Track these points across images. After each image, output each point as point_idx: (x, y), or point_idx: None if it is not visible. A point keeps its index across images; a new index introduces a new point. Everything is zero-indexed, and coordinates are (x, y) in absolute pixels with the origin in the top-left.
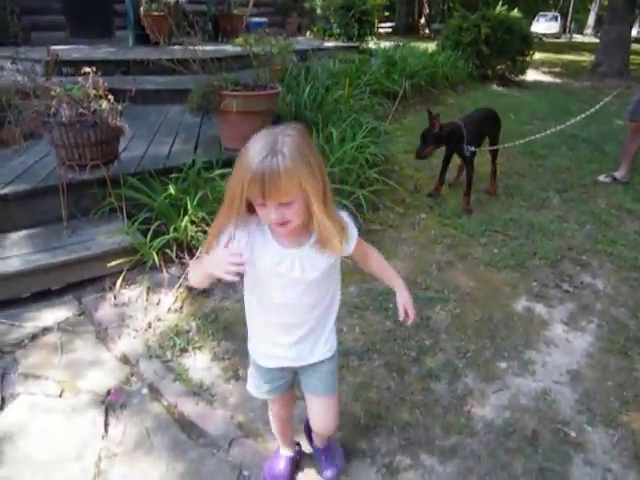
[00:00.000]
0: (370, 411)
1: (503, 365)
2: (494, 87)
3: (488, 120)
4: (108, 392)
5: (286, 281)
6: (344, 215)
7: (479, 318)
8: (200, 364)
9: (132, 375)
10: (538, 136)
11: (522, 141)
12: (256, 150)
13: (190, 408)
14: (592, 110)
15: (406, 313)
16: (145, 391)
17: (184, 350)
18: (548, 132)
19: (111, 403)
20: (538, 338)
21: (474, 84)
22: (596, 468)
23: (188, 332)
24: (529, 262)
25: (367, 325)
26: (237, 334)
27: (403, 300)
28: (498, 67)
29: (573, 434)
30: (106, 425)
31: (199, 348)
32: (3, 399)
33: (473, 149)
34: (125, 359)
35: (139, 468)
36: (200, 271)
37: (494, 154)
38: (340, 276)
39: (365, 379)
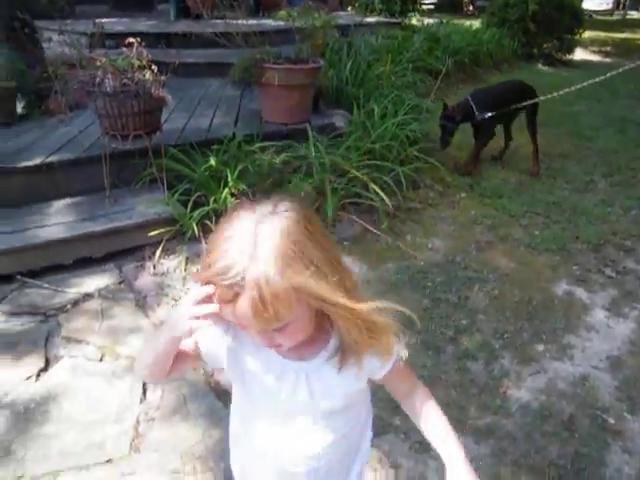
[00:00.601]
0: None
1: (541, 348)
2: (540, 66)
3: (512, 91)
4: None
5: (285, 408)
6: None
7: (518, 300)
8: None
9: None
10: (573, 88)
11: (559, 93)
12: (227, 258)
13: (225, 377)
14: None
15: None
16: None
17: None
18: (585, 84)
19: None
20: (578, 323)
21: (519, 63)
22: (635, 457)
23: None
24: (571, 246)
25: (404, 302)
26: None
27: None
28: (545, 45)
29: (612, 421)
30: (144, 390)
31: None
32: (47, 361)
33: (484, 116)
34: None
35: (176, 433)
36: (151, 350)
37: (533, 132)
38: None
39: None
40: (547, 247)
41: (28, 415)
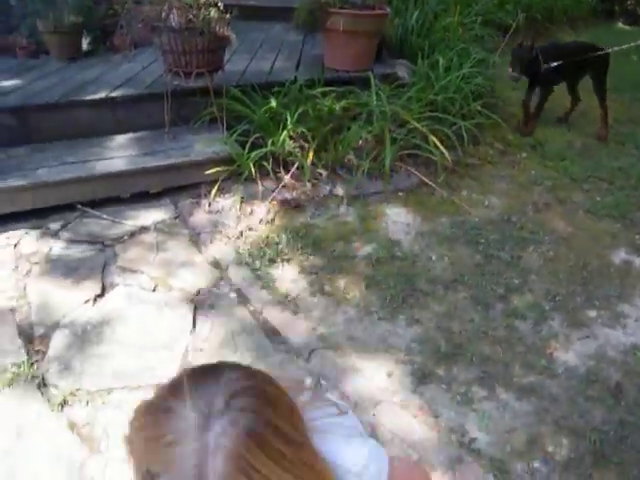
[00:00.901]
0: (451, 340)
1: (593, 314)
2: (620, 25)
3: (582, 51)
4: (198, 292)
5: None
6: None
7: (573, 264)
8: (287, 276)
9: (221, 279)
10: None
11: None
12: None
13: (275, 315)
14: None
15: None
16: (233, 295)
17: (273, 261)
18: None
19: (200, 302)
20: (634, 292)
21: (596, 21)
22: None
23: (278, 244)
24: (634, 214)
25: (456, 257)
26: (326, 251)
27: None
28: (628, 1)
29: None
30: (194, 322)
31: (287, 261)
32: (104, 287)
33: (550, 66)
34: (215, 263)
35: None
36: None
37: (602, 96)
38: None
39: (449, 309)
40: (608, 213)
41: (85, 336)
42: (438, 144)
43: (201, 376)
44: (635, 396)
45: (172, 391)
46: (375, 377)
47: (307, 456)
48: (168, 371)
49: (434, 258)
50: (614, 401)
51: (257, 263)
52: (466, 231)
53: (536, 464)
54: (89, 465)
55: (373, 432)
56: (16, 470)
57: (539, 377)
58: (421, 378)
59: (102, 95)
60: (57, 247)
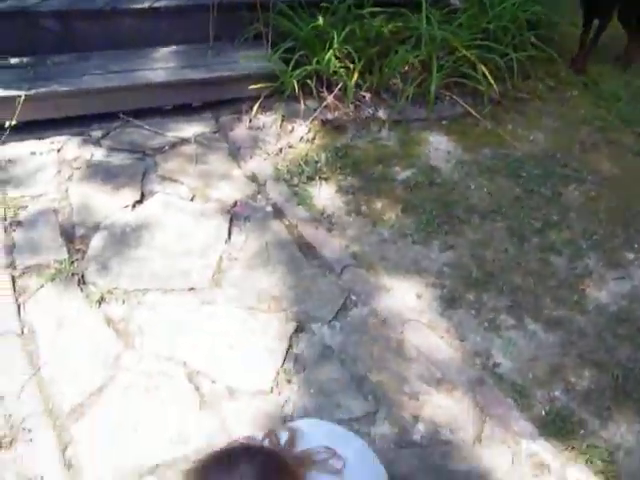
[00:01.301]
0: (483, 268)
1: (631, 256)
2: None
3: None
4: (235, 204)
5: None
6: None
7: (615, 205)
8: (324, 194)
9: (258, 193)
10: None
11: None
12: None
13: (309, 231)
14: None
15: None
16: (269, 209)
17: (311, 178)
18: None
19: (236, 214)
20: None
21: None
22: None
23: (317, 163)
24: None
25: (496, 188)
26: (365, 173)
27: None
28: None
29: None
30: (230, 232)
31: (325, 179)
32: (143, 194)
33: None
34: (253, 178)
35: (255, 274)
36: None
37: None
38: None
39: (484, 238)
40: None
41: (123, 238)
42: (487, 74)
43: (215, 472)
44: None
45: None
46: (405, 297)
47: None
48: (201, 278)
49: (473, 187)
50: None
51: (295, 180)
52: (508, 164)
53: (556, 393)
54: (124, 358)
55: (399, 348)
56: (57, 359)
57: (569, 311)
58: (450, 302)
59: (146, 5)
60: (98, 154)
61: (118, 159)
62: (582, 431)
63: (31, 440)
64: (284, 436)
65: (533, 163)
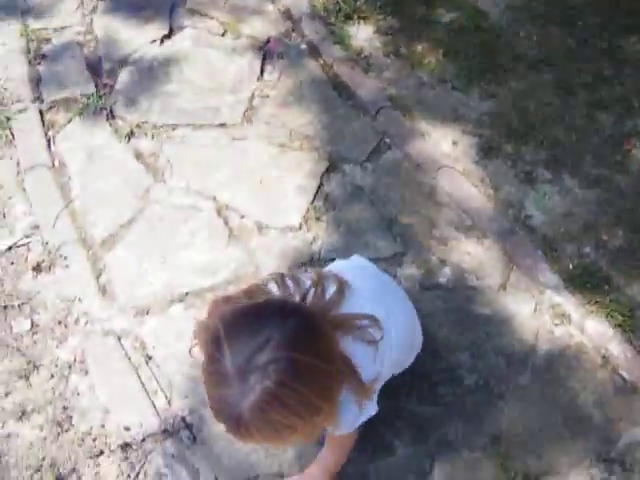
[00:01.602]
0: (524, 119)
1: None
2: None
3: None
4: (268, 40)
5: None
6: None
7: None
8: (362, 34)
9: (293, 30)
10: None
11: None
12: (220, 405)
13: (345, 71)
14: None
15: None
16: (304, 47)
17: (349, 17)
18: None
19: (270, 51)
20: None
21: None
22: None
23: (355, 1)
24: None
25: (547, 37)
26: (406, 13)
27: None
28: None
29: None
30: (262, 69)
31: (364, 18)
32: (171, 29)
33: None
34: (288, 14)
35: (287, 112)
36: None
37: None
38: None
39: (529, 89)
40: None
41: (152, 73)
42: None
43: (242, 326)
44: None
45: (215, 343)
46: (440, 143)
47: (322, 412)
48: (232, 115)
49: (522, 35)
50: None
51: (332, 18)
52: (564, 11)
53: (586, 249)
54: (153, 191)
55: (431, 193)
56: (89, 192)
57: (610, 170)
58: (487, 151)
59: None
60: None
61: None
62: (607, 287)
63: (67, 266)
64: (331, 288)
65: (592, 11)
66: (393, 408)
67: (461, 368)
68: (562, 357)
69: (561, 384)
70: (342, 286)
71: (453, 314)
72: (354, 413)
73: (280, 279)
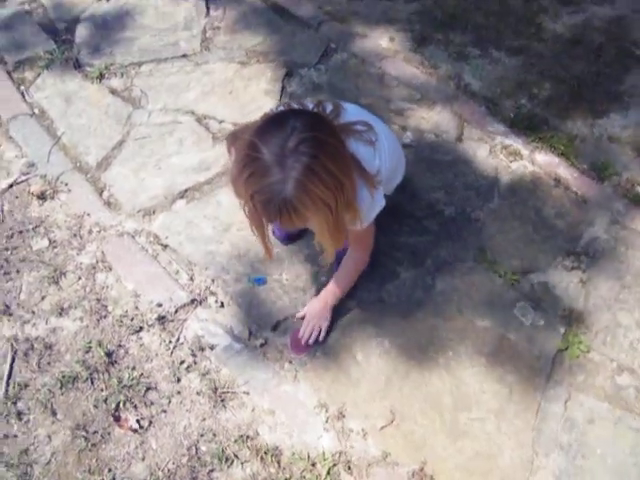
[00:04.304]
0: (447, 12)
1: None
2: None
3: None
4: None
5: None
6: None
7: None
8: None
9: None
10: None
11: None
12: (263, 184)
13: None
14: None
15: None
16: None
17: None
18: None
19: None
20: None
21: None
22: None
23: None
24: None
25: None
26: None
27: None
28: None
29: (638, 52)
30: (207, 8)
31: None
32: None
33: None
34: None
35: (239, 37)
36: None
37: None
38: None
39: None
40: None
41: (107, 25)
42: None
43: (269, 128)
44: (614, 54)
45: (251, 146)
46: (379, 40)
47: (346, 189)
48: (190, 46)
49: None
50: (594, 57)
51: None
52: None
53: (522, 101)
54: (135, 116)
55: (380, 79)
56: (74, 127)
57: (528, 41)
58: (421, 41)
59: None
60: None
61: None
62: (545, 127)
63: (70, 190)
64: (329, 107)
65: None
66: (389, 243)
67: (439, 203)
68: (521, 183)
69: (525, 204)
70: (338, 106)
71: (423, 163)
72: (368, 200)
73: (287, 105)
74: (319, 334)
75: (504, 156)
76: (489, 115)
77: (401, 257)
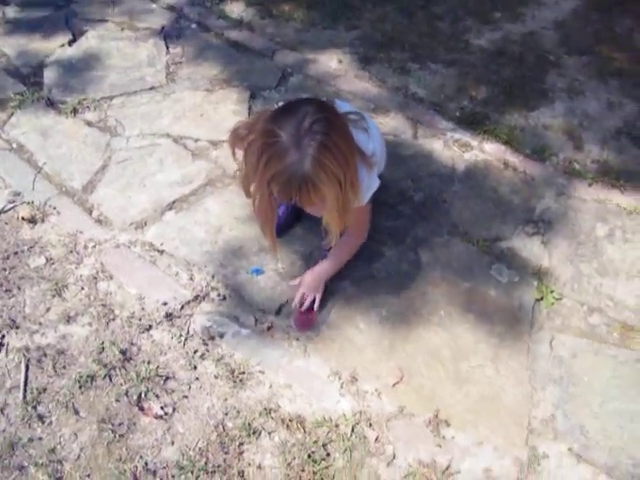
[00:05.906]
0: (386, 36)
1: (498, 15)
2: None
3: None
4: (162, 27)
5: None
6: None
7: None
8: (237, 9)
9: (180, 18)
10: None
11: None
12: (282, 166)
13: (235, 34)
14: None
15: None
16: (194, 26)
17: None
18: None
19: (168, 34)
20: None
21: None
22: (566, 78)
23: None
24: None
25: None
26: None
27: (306, 279)
28: None
29: (552, 58)
30: (167, 46)
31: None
32: (74, 34)
33: None
34: (171, 8)
35: (201, 69)
36: None
37: None
38: None
39: (381, 17)
40: None
41: (74, 66)
42: None
43: (283, 115)
44: (534, 61)
45: (267, 133)
46: (329, 63)
47: (352, 166)
48: (157, 80)
49: None
50: (518, 64)
51: (208, 3)
52: None
53: (464, 102)
54: (114, 143)
55: (337, 95)
56: (55, 157)
57: (459, 54)
58: (366, 61)
59: None
60: (11, 11)
61: (34, 13)
62: (488, 121)
63: (59, 213)
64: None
65: None
66: (370, 228)
67: (408, 191)
68: (476, 168)
69: (482, 185)
70: (331, 101)
71: (388, 158)
72: (366, 179)
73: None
74: (313, 302)
75: (457, 147)
76: (438, 115)
77: (384, 238)
